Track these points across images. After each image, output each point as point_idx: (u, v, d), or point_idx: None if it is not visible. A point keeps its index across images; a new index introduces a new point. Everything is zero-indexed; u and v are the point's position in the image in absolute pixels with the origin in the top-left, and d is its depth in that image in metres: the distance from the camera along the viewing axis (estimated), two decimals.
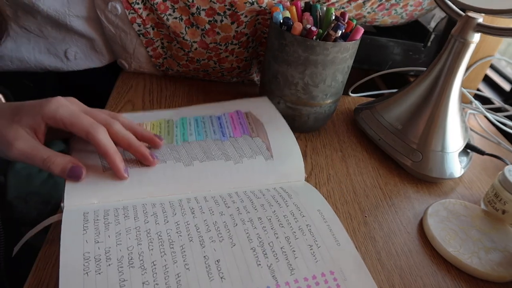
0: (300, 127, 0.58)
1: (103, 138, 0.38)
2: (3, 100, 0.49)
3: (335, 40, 0.50)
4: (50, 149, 0.37)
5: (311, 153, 0.56)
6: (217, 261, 0.34)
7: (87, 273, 0.31)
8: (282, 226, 0.38)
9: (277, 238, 0.37)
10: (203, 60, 0.61)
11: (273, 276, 0.34)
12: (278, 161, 0.46)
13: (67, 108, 0.38)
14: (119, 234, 0.34)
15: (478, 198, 0.53)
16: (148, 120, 0.50)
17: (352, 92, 0.72)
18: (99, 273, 0.31)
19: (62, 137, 0.43)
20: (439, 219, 0.47)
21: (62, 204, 0.37)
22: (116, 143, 0.40)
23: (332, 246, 0.37)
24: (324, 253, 0.36)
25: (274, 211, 0.40)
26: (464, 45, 0.51)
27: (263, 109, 0.54)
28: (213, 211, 0.39)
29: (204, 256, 0.34)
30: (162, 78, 0.66)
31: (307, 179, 0.47)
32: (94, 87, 0.69)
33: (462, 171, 0.55)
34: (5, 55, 0.56)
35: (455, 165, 0.54)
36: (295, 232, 0.38)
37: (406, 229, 0.46)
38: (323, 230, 0.39)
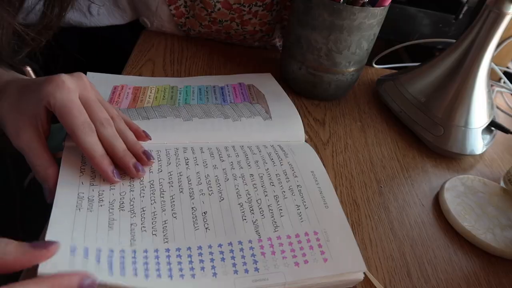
0: (320, 94, 0.57)
1: (89, 141, 0.34)
2: (32, 74, 0.47)
3: (362, 5, 0.49)
4: (42, 157, 0.35)
5: (329, 121, 0.55)
6: (204, 213, 0.35)
7: (79, 209, 0.32)
8: (273, 185, 0.39)
9: (266, 196, 0.38)
10: (225, 21, 0.60)
11: (256, 231, 0.35)
12: (277, 121, 0.48)
13: (64, 94, 0.34)
14: None
15: (498, 176, 0.52)
16: (153, 84, 0.52)
17: (375, 63, 0.70)
18: (90, 211, 0.32)
19: None
20: (455, 193, 0.46)
21: (63, 143, 0.38)
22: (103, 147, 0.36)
23: (319, 208, 0.38)
24: (310, 214, 0.37)
25: (268, 169, 0.41)
26: (499, 16, 0.48)
27: (266, 83, 0.56)
28: (206, 164, 0.40)
29: (192, 208, 0.35)
30: (184, 38, 0.66)
31: (324, 147, 0.46)
32: (116, 45, 0.69)
33: (484, 148, 0.54)
34: (29, 8, 0.57)
35: (477, 141, 0.53)
36: (284, 192, 0.39)
37: (421, 201, 0.46)
38: (313, 192, 0.39)
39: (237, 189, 0.38)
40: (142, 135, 0.40)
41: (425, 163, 0.52)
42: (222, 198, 0.37)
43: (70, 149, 0.37)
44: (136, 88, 0.51)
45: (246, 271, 0.31)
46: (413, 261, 0.39)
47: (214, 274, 0.31)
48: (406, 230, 0.42)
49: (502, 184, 0.50)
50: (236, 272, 0.31)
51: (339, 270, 0.33)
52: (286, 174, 0.40)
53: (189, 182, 0.37)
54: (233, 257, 0.32)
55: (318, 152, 0.48)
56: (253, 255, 0.33)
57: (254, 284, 0.31)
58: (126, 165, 0.36)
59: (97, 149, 0.35)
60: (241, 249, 0.33)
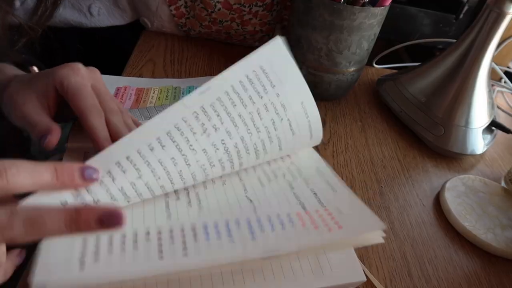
0: (321, 94, 0.57)
1: (97, 122, 0.34)
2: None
3: (363, 5, 0.48)
4: (51, 122, 0.34)
5: (330, 121, 0.55)
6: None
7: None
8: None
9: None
10: (225, 21, 0.60)
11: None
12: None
13: (78, 78, 0.35)
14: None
15: (499, 176, 0.52)
16: (156, 85, 0.52)
17: (376, 63, 0.70)
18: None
19: (70, 117, 0.40)
20: (456, 193, 0.46)
21: (66, 145, 0.37)
22: (110, 135, 0.36)
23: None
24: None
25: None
26: (500, 16, 0.48)
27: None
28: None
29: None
30: (184, 39, 0.66)
31: (325, 147, 0.46)
32: (116, 46, 0.69)
33: (485, 148, 0.53)
34: (30, 9, 0.57)
35: (478, 141, 0.53)
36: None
37: (422, 201, 0.46)
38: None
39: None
40: None
41: (426, 163, 0.52)
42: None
43: (72, 150, 0.37)
44: (139, 89, 0.51)
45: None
46: (414, 261, 0.39)
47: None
48: (407, 230, 0.42)
49: (503, 184, 0.50)
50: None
51: (357, 233, 0.31)
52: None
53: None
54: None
55: (318, 152, 0.48)
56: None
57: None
58: None
59: (102, 132, 0.34)
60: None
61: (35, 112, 0.34)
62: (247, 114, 0.35)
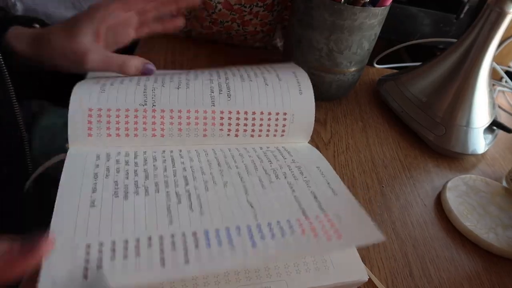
0: (322, 94, 0.57)
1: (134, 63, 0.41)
2: None
3: (363, 5, 0.48)
4: (121, 55, 0.40)
5: (331, 121, 0.55)
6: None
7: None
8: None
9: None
10: (226, 22, 0.60)
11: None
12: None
13: (100, 50, 0.40)
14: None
15: (500, 176, 0.52)
16: None
17: (377, 63, 0.70)
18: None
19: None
20: (458, 193, 0.46)
21: (66, 145, 0.38)
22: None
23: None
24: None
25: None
26: (500, 15, 0.48)
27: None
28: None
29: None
30: (185, 40, 0.66)
31: (326, 147, 0.46)
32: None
33: (486, 148, 0.53)
34: (31, 9, 0.57)
35: (479, 141, 0.53)
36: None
37: (423, 201, 0.46)
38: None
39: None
40: None
41: (427, 163, 0.52)
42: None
43: (73, 150, 0.37)
44: None
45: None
46: (415, 261, 0.39)
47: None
48: (408, 230, 0.42)
49: (504, 183, 0.50)
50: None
51: (356, 243, 0.32)
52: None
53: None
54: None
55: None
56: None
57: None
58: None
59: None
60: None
61: (103, 56, 0.39)
62: None
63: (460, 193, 0.46)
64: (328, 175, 0.39)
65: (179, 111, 0.40)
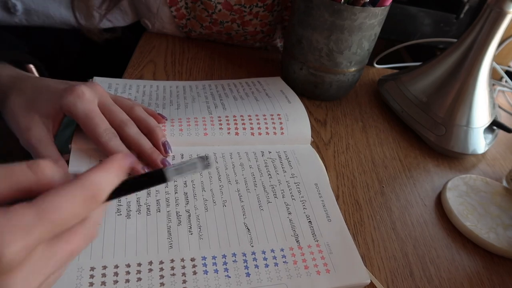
0: (322, 94, 0.57)
1: (113, 144, 0.36)
2: (35, 72, 0.48)
3: (363, 5, 0.48)
4: (52, 149, 0.36)
5: (331, 121, 0.55)
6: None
7: None
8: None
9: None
10: (226, 22, 0.60)
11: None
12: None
13: (85, 104, 0.36)
14: None
15: (500, 176, 0.52)
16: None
17: (377, 63, 0.70)
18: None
19: None
20: (458, 193, 0.46)
21: (70, 146, 0.38)
22: (128, 146, 0.38)
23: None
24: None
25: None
26: (500, 15, 0.48)
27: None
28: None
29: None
30: (185, 40, 0.66)
31: (326, 147, 0.46)
32: (117, 47, 0.69)
33: (486, 148, 0.53)
34: (31, 10, 0.57)
35: (480, 141, 0.53)
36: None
37: (424, 201, 0.46)
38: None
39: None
40: (159, 118, 0.43)
41: (427, 163, 0.52)
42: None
43: (76, 151, 0.37)
44: None
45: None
46: (416, 261, 0.39)
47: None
48: (409, 230, 0.42)
49: (504, 183, 0.50)
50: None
51: (343, 282, 0.33)
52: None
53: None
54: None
55: (319, 153, 0.48)
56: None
57: None
58: (154, 161, 0.38)
59: (123, 150, 0.36)
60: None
61: (42, 143, 0.36)
62: None
63: (461, 193, 0.46)
64: (325, 195, 0.41)
65: (179, 120, 0.44)
